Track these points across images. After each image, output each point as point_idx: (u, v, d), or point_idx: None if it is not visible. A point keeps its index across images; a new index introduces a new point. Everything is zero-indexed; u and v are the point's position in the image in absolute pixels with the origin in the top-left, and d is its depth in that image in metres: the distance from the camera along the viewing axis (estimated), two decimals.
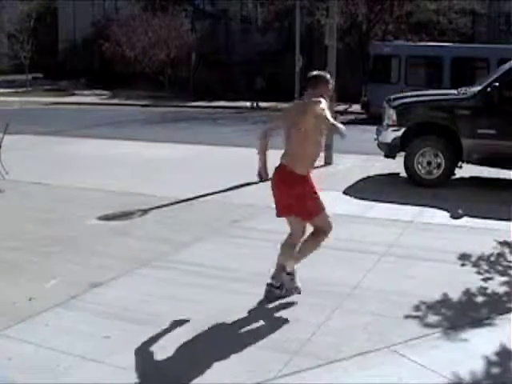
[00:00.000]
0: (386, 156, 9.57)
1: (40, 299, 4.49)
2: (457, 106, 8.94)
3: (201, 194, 8.07)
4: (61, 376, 3.45)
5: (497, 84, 8.54)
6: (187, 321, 4.19)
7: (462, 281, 4.94)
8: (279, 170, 4.59)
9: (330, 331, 4.04)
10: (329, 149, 10.29)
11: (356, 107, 23.09)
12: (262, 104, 26.38)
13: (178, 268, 5.26)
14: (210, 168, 10.44)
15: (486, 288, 4.83)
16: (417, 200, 7.87)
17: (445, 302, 4.54)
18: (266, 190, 8.73)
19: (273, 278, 4.59)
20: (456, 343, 3.89)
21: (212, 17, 36.52)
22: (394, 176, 9.73)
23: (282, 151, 4.64)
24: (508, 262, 5.50)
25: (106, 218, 6.91)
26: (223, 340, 3.92)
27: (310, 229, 4.63)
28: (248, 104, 26.59)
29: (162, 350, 3.76)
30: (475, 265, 5.39)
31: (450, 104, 9.10)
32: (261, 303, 4.49)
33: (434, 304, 4.48)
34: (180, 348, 3.80)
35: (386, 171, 9.99)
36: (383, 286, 4.86)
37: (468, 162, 9.00)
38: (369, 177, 9.70)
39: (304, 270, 4.97)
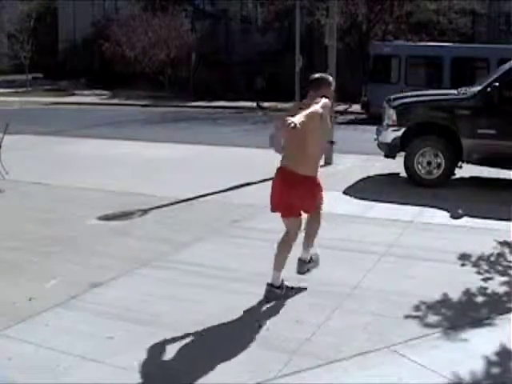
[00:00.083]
0: (386, 156, 9.57)
1: (40, 299, 4.49)
2: (457, 106, 8.94)
3: (201, 194, 8.07)
4: (61, 376, 3.45)
5: (497, 84, 8.54)
6: (187, 321, 4.19)
7: (461, 281, 4.94)
8: (280, 172, 4.57)
9: (330, 331, 4.04)
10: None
11: (356, 107, 23.07)
12: (264, 104, 26.38)
13: (178, 268, 5.26)
14: (209, 168, 10.44)
15: (485, 288, 4.83)
16: (417, 200, 7.87)
17: (445, 302, 4.54)
18: (266, 190, 8.73)
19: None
20: (456, 343, 3.89)
21: (212, 17, 36.49)
22: (394, 176, 9.73)
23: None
24: (508, 261, 5.50)
25: (106, 218, 6.92)
26: (223, 340, 3.92)
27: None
28: (254, 104, 26.53)
29: (162, 350, 3.76)
30: (475, 265, 5.39)
31: (450, 104, 9.10)
32: (261, 303, 4.49)
33: (434, 304, 4.48)
34: (180, 348, 3.80)
35: (386, 171, 9.99)
36: (383, 286, 4.86)
37: (468, 162, 9.00)
38: (369, 177, 9.70)
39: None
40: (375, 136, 9.83)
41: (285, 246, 4.65)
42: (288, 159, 4.54)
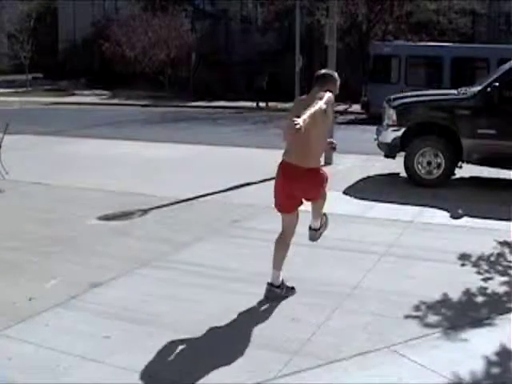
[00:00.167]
0: (386, 156, 9.57)
1: (40, 299, 4.49)
2: (457, 105, 8.94)
3: (201, 194, 8.07)
4: (61, 376, 3.45)
5: (497, 84, 8.54)
6: (187, 321, 4.19)
7: (461, 281, 4.94)
8: (282, 166, 4.54)
9: (330, 331, 4.04)
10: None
11: (356, 107, 23.09)
12: (262, 104, 26.38)
13: (178, 268, 5.26)
14: (209, 168, 10.44)
15: (485, 288, 4.83)
16: (417, 200, 7.88)
17: (445, 302, 4.54)
18: (266, 190, 8.74)
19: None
20: (456, 343, 3.89)
21: (212, 17, 36.50)
22: (394, 176, 9.73)
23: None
24: (508, 261, 5.50)
25: (106, 217, 6.91)
26: (223, 340, 3.92)
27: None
28: (254, 104, 26.49)
29: (162, 350, 3.76)
30: (475, 265, 5.39)
31: (450, 104, 9.10)
32: (261, 303, 4.49)
33: (434, 304, 4.48)
34: (180, 348, 3.80)
35: (386, 171, 10.00)
36: (383, 286, 4.86)
37: (468, 162, 9.00)
38: (369, 177, 9.70)
39: (304, 270, 4.98)
40: (375, 136, 9.83)
41: (282, 244, 4.65)
42: (291, 153, 4.49)
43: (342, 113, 21.86)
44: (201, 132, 17.05)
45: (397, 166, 9.57)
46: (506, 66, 9.08)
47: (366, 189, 8.76)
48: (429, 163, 8.94)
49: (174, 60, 32.04)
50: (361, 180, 9.38)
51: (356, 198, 8.07)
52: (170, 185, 8.79)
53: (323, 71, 4.67)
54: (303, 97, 4.72)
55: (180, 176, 9.65)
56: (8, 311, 4.29)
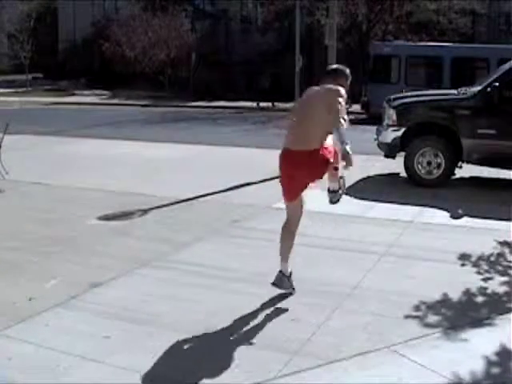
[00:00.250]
0: (386, 156, 9.57)
1: (40, 299, 4.49)
2: (457, 105, 8.94)
3: (201, 193, 8.07)
4: (61, 376, 3.45)
5: (497, 84, 8.55)
6: (187, 321, 4.19)
7: (462, 281, 4.94)
8: (283, 152, 4.52)
9: (330, 331, 4.04)
10: None
11: (356, 107, 23.11)
12: (263, 104, 26.38)
13: (178, 268, 5.26)
14: (209, 168, 10.44)
15: (485, 288, 4.83)
16: (417, 200, 7.88)
17: (445, 302, 4.54)
18: (265, 190, 8.76)
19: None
20: (456, 343, 3.89)
21: (212, 17, 36.51)
22: (394, 176, 9.73)
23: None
24: (508, 261, 5.50)
25: (106, 217, 6.91)
26: (223, 340, 3.92)
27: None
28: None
29: (162, 350, 3.76)
30: (475, 265, 5.39)
31: (450, 104, 9.10)
32: (261, 303, 4.49)
33: (434, 304, 4.48)
34: (180, 348, 3.80)
35: (386, 171, 10.00)
36: (383, 285, 4.86)
37: (468, 162, 9.00)
38: (369, 177, 9.71)
39: (304, 270, 4.98)
40: (375, 136, 9.84)
41: (286, 234, 4.61)
42: (290, 140, 4.48)
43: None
44: (201, 132, 17.05)
45: (397, 166, 9.57)
46: (506, 66, 9.09)
47: (366, 189, 8.76)
48: (429, 163, 8.94)
49: (174, 60, 32.05)
50: (361, 180, 9.38)
51: (356, 197, 8.07)
52: (169, 185, 8.79)
53: (336, 66, 4.65)
54: (311, 89, 4.62)
55: (180, 176, 9.65)
56: (8, 311, 4.29)
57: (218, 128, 19.10)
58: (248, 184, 8.72)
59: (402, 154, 9.22)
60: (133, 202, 7.56)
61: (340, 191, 4.83)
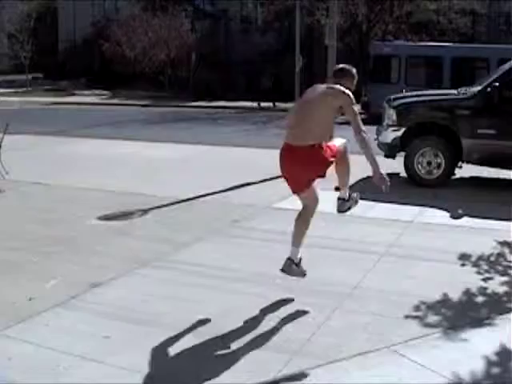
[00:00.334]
0: (386, 156, 9.56)
1: (40, 299, 4.49)
2: (457, 106, 8.94)
3: (201, 193, 8.07)
4: (61, 376, 3.45)
5: (497, 84, 8.55)
6: (187, 321, 4.19)
7: (462, 281, 4.94)
8: (282, 147, 4.53)
9: (330, 331, 4.04)
10: None
11: (356, 107, 23.07)
12: (263, 104, 26.37)
13: (178, 268, 5.26)
14: (210, 168, 10.44)
15: (485, 288, 4.83)
16: (417, 200, 7.88)
17: (445, 302, 4.54)
18: (265, 190, 8.76)
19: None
20: (456, 343, 3.89)
21: (212, 17, 36.53)
22: (394, 176, 9.71)
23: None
24: (508, 261, 5.50)
25: (106, 217, 6.91)
26: (223, 340, 3.92)
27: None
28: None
29: (163, 350, 3.76)
30: (475, 265, 5.39)
31: (450, 104, 9.10)
32: (261, 303, 4.49)
33: (434, 304, 4.48)
34: (180, 348, 3.80)
35: (386, 171, 9.98)
36: (383, 285, 4.85)
37: (468, 162, 9.00)
38: (369, 177, 9.67)
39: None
40: (375, 136, 9.83)
41: (302, 220, 4.57)
42: (290, 134, 4.48)
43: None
44: (201, 132, 17.05)
45: (397, 166, 9.57)
46: (506, 66, 9.08)
47: (366, 189, 8.72)
48: (429, 163, 8.94)
49: (174, 60, 32.06)
50: (361, 180, 9.37)
51: None
52: (170, 185, 8.79)
53: (342, 65, 4.63)
54: (315, 88, 4.60)
55: (180, 176, 9.65)
56: (8, 311, 4.29)
57: (218, 128, 19.10)
58: (248, 184, 8.72)
59: (402, 154, 9.22)
60: (133, 202, 7.56)
61: (349, 203, 4.88)
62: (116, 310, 4.34)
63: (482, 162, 8.92)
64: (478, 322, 4.20)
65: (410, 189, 8.76)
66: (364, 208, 7.54)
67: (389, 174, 9.69)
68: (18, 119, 15.63)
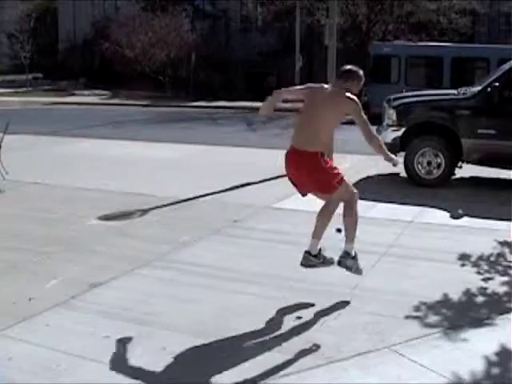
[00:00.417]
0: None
1: (40, 299, 4.49)
2: (457, 106, 8.95)
3: (201, 194, 8.07)
4: (61, 376, 3.45)
5: (497, 84, 8.55)
6: (187, 321, 4.19)
7: (462, 281, 4.94)
8: (288, 151, 4.54)
9: (330, 331, 4.04)
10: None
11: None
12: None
13: (178, 268, 5.26)
14: (210, 168, 10.44)
15: (485, 288, 4.83)
16: (417, 200, 7.88)
17: (445, 302, 4.54)
18: (265, 190, 8.75)
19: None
20: (456, 343, 3.89)
21: (212, 17, 36.51)
22: (394, 176, 9.73)
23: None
24: (508, 261, 5.50)
25: (106, 218, 6.91)
26: (222, 340, 3.92)
27: None
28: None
29: (162, 350, 3.76)
30: (475, 265, 5.39)
31: (450, 104, 9.10)
32: (261, 303, 4.49)
33: (434, 304, 4.48)
34: (179, 348, 3.80)
35: (386, 171, 9.99)
36: (383, 285, 4.86)
37: (468, 162, 9.00)
38: (369, 177, 9.71)
39: (304, 270, 4.97)
40: None
41: (324, 212, 4.57)
42: (296, 138, 4.50)
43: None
44: (201, 132, 17.05)
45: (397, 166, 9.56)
46: (506, 66, 9.08)
47: (366, 189, 8.72)
48: (429, 163, 8.94)
49: (174, 60, 32.04)
50: (361, 180, 9.38)
51: None
52: (170, 185, 8.79)
53: (348, 66, 4.60)
54: (323, 90, 4.59)
55: (180, 176, 9.65)
56: (8, 311, 4.29)
57: (218, 128, 19.10)
58: (248, 184, 8.72)
59: (402, 154, 9.22)
60: (133, 202, 7.56)
61: (354, 262, 4.65)
62: (116, 310, 4.34)
63: (482, 161, 8.92)
64: (478, 322, 4.20)
65: (410, 189, 8.76)
66: (364, 208, 7.52)
67: (389, 174, 9.70)
68: (18, 119, 15.61)
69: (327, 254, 4.77)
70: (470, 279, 5.00)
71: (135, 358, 3.65)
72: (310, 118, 4.47)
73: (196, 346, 3.83)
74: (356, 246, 5.91)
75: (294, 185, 4.67)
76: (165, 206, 7.45)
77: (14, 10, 39.87)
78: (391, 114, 9.28)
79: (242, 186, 8.64)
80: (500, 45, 21.99)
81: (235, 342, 3.89)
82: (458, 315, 4.32)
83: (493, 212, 7.20)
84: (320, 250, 4.65)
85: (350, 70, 4.57)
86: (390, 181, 9.54)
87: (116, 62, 31.66)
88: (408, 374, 3.49)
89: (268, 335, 3.99)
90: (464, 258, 5.54)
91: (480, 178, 9.61)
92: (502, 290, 4.80)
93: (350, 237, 4.64)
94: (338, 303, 4.48)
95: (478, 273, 5.19)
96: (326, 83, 4.98)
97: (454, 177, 9.25)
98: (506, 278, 5.05)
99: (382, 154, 4.65)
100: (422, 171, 9.00)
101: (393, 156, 4.73)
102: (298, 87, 4.80)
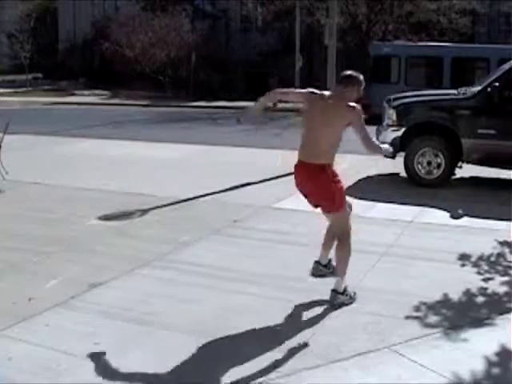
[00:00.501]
0: (386, 156, 9.55)
1: (40, 299, 4.49)
2: (457, 106, 8.94)
3: (201, 194, 8.07)
4: (61, 376, 3.45)
5: (497, 84, 8.54)
6: (187, 320, 4.19)
7: (462, 281, 4.94)
8: (295, 164, 4.53)
9: (330, 331, 4.04)
10: None
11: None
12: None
13: (178, 268, 5.26)
14: (210, 168, 10.44)
15: (486, 288, 4.83)
16: (417, 200, 7.88)
17: (445, 302, 4.54)
18: (265, 190, 8.75)
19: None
20: (456, 343, 3.89)
21: (212, 17, 36.51)
22: (394, 176, 9.73)
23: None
24: (508, 261, 5.50)
25: (106, 218, 6.91)
26: (222, 340, 3.92)
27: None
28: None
29: (162, 350, 3.76)
30: (475, 265, 5.39)
31: (450, 104, 9.10)
32: (260, 303, 4.49)
33: (434, 304, 4.48)
34: (179, 348, 3.80)
35: (386, 171, 10.00)
36: (383, 285, 4.86)
37: (468, 162, 9.00)
38: (369, 177, 9.71)
39: (304, 270, 4.98)
40: (375, 136, 9.83)
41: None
42: (302, 151, 4.49)
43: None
44: (201, 132, 17.05)
45: (397, 166, 9.57)
46: (506, 66, 9.08)
47: (365, 189, 8.76)
48: (429, 163, 8.94)
49: (174, 60, 32.04)
50: (361, 180, 9.38)
51: (356, 197, 8.05)
52: (170, 185, 8.79)
53: (349, 72, 4.53)
54: (324, 98, 4.51)
55: (180, 176, 9.65)
56: (8, 311, 4.29)
57: (218, 128, 19.09)
58: (248, 184, 8.72)
59: (402, 154, 9.22)
60: (133, 202, 7.56)
61: (343, 298, 4.49)
62: (116, 310, 4.34)
63: (482, 161, 8.92)
64: (478, 322, 4.20)
65: (409, 189, 8.76)
66: (364, 208, 7.55)
67: (389, 174, 9.72)
68: (18, 119, 15.62)
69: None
70: (470, 279, 5.00)
71: (135, 358, 3.65)
72: (312, 129, 4.43)
73: (195, 346, 3.83)
74: (356, 246, 5.92)
75: (304, 195, 4.65)
76: (165, 206, 7.45)
77: (13, 9, 39.88)
78: (391, 114, 9.28)
79: (242, 186, 8.64)
80: (500, 45, 21.99)
81: (235, 342, 3.89)
82: (458, 315, 4.32)
83: (493, 212, 7.20)
84: (330, 260, 4.64)
85: (349, 76, 4.49)
86: (390, 181, 9.54)
87: (116, 62, 31.65)
88: (408, 374, 3.49)
89: (268, 335, 4.00)
90: (464, 258, 5.54)
91: (480, 178, 9.61)
92: (502, 290, 4.80)
93: (339, 271, 4.54)
94: (337, 303, 4.47)
95: (478, 273, 5.19)
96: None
97: (454, 177, 9.25)
98: (506, 278, 5.05)
99: (379, 154, 4.68)
100: (422, 171, 9.00)
101: (384, 147, 4.78)
102: (298, 90, 4.76)
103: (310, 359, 3.65)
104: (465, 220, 7.02)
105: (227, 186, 8.50)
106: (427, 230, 6.56)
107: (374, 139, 4.43)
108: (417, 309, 4.39)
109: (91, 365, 3.57)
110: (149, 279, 5.00)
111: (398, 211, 7.37)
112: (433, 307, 4.42)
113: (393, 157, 9.47)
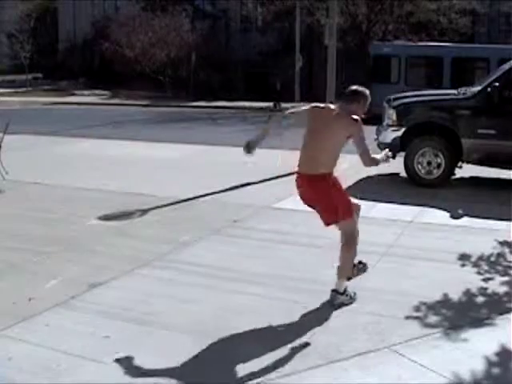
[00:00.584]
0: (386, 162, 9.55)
1: (40, 299, 4.49)
2: (457, 106, 8.94)
3: (201, 194, 8.07)
4: (61, 376, 3.45)
5: (497, 84, 8.55)
6: (187, 320, 4.19)
7: (462, 281, 4.94)
8: (296, 177, 4.54)
9: (330, 331, 4.04)
10: None
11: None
12: (262, 104, 26.35)
13: (178, 268, 5.26)
14: (210, 168, 10.44)
15: (486, 288, 4.83)
16: (417, 200, 7.88)
17: (445, 302, 4.54)
18: (265, 190, 8.75)
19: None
20: (456, 343, 3.89)
21: (212, 17, 36.52)
22: (394, 176, 9.73)
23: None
24: (508, 261, 5.50)
25: (106, 218, 6.91)
26: (222, 340, 3.92)
27: None
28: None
29: (162, 350, 3.76)
30: (475, 265, 5.39)
31: (450, 104, 9.10)
32: (260, 303, 4.49)
33: (434, 304, 4.48)
34: (179, 348, 3.80)
35: (386, 171, 9.99)
36: (383, 285, 4.86)
37: (468, 162, 9.00)
38: (369, 177, 9.70)
39: (304, 270, 4.99)
40: (375, 136, 9.83)
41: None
42: (301, 164, 4.50)
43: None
44: (201, 132, 17.05)
45: (397, 166, 9.56)
46: (506, 66, 9.08)
47: (366, 189, 8.75)
48: (429, 163, 8.94)
49: (174, 60, 32.06)
50: (361, 180, 9.38)
51: (356, 197, 8.02)
52: (170, 185, 8.79)
53: (355, 87, 4.44)
54: (329, 111, 4.50)
55: (180, 176, 9.65)
56: (8, 311, 4.29)
57: (218, 128, 19.10)
58: (248, 184, 8.72)
59: (402, 154, 9.22)
60: (133, 202, 7.56)
61: (343, 298, 4.48)
62: (116, 310, 4.34)
63: (482, 161, 8.92)
64: (478, 322, 4.20)
65: (409, 189, 8.76)
66: (364, 208, 7.51)
67: (389, 174, 9.72)
68: (18, 119, 15.62)
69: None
70: (470, 279, 5.00)
71: (135, 358, 3.65)
72: (314, 140, 4.44)
73: (195, 346, 3.83)
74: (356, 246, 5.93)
75: (310, 206, 4.64)
76: (165, 206, 7.45)
77: (13, 9, 39.89)
78: (391, 114, 9.28)
79: (242, 186, 8.64)
80: (500, 45, 22.00)
81: (235, 342, 3.89)
82: (458, 315, 4.32)
83: (493, 212, 7.20)
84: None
85: (355, 92, 4.42)
86: (390, 181, 9.54)
87: (116, 62, 31.67)
88: (408, 374, 3.49)
89: (268, 335, 4.00)
90: (464, 258, 5.54)
91: (480, 178, 9.61)
92: (502, 290, 4.80)
93: (342, 271, 4.50)
94: (337, 303, 4.47)
95: (478, 273, 5.19)
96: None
97: (453, 177, 9.25)
98: (506, 278, 5.05)
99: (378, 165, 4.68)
100: (422, 171, 9.00)
101: (383, 154, 4.75)
102: (304, 107, 4.77)
103: (310, 359, 3.65)
104: (465, 220, 7.02)
105: (227, 186, 8.50)
106: (427, 230, 6.56)
107: (371, 152, 4.42)
108: (417, 309, 4.39)
109: (91, 365, 3.57)
110: (149, 279, 5.00)
111: (398, 211, 7.37)
112: (433, 307, 4.42)
113: (393, 157, 9.50)
